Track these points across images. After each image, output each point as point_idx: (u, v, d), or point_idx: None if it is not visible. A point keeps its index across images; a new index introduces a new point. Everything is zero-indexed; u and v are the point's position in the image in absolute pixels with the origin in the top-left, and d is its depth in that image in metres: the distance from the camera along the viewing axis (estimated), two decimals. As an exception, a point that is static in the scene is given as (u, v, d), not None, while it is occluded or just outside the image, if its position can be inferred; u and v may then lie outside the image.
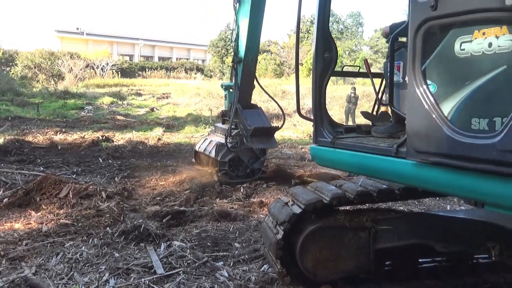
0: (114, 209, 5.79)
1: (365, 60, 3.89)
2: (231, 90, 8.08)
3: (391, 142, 2.89)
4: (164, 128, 15.15)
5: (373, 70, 3.97)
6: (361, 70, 4.09)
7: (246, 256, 4.36)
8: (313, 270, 3.30)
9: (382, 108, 3.79)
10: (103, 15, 53.92)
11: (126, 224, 5.04)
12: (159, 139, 12.83)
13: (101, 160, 9.67)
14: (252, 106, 8.02)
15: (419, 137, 2.42)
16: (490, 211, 2.67)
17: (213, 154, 7.80)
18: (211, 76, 49.42)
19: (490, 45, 2.06)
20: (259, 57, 48.12)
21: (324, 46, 3.38)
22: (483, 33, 2.09)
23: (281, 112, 9.64)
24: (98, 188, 6.72)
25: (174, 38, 59.07)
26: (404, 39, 3.22)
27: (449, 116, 2.27)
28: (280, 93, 24.29)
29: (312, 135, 3.57)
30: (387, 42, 3.21)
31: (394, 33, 3.04)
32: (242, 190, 7.20)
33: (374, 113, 3.77)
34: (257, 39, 7.67)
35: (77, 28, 48.96)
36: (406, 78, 3.07)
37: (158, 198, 6.86)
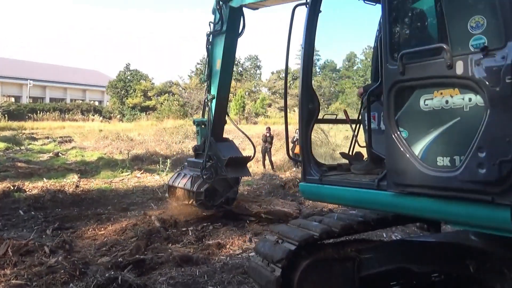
0: (64, 263, 5.42)
1: (345, 111, 4.43)
2: (203, 126, 8.41)
3: (371, 177, 3.45)
4: (79, 174, 14.26)
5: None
6: (339, 118, 4.58)
7: (229, 298, 4.43)
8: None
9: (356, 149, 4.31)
10: (-15, 53, 49.64)
11: (96, 278, 4.75)
12: (77, 186, 12.05)
13: (22, 212, 8.83)
14: (225, 140, 8.44)
15: (396, 172, 3.03)
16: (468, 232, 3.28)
17: (188, 186, 7.94)
18: (110, 118, 47.60)
19: (447, 102, 2.69)
20: (161, 98, 48.06)
21: (307, 98, 3.88)
22: (441, 93, 2.74)
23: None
24: (36, 243, 6.19)
25: (67, 78, 55.99)
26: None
27: (419, 155, 2.88)
28: (192, 134, 24.35)
29: (300, 174, 3.96)
30: (362, 100, 3.96)
31: (368, 91, 3.70)
32: (190, 234, 7.18)
33: (351, 153, 4.26)
34: (229, 78, 8.32)
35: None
36: (381, 126, 3.70)
37: (103, 249, 6.54)
